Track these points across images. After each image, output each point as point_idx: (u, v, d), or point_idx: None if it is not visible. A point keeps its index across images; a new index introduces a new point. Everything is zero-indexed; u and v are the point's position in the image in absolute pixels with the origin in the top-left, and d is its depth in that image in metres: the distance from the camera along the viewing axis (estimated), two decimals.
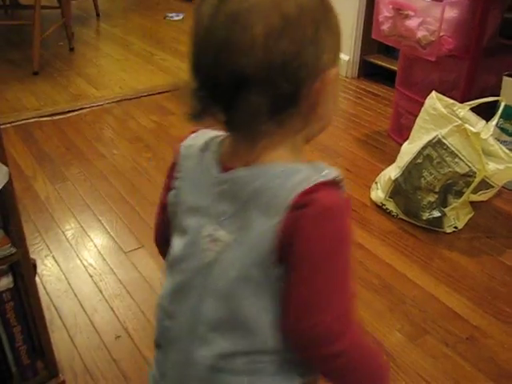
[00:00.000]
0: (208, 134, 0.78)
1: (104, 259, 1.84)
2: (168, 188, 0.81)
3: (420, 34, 2.23)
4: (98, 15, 4.91)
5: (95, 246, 1.90)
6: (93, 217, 2.05)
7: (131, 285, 1.72)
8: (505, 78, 2.23)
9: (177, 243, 0.78)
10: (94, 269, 1.79)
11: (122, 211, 2.08)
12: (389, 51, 3.41)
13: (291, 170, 0.68)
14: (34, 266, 1.24)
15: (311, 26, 0.64)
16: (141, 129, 2.74)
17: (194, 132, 0.81)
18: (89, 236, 1.95)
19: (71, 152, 2.50)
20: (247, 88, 0.63)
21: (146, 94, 3.16)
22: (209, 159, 0.74)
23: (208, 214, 0.72)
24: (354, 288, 0.70)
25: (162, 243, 0.86)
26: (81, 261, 1.82)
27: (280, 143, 0.70)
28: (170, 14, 5.12)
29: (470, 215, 2.06)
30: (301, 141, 0.73)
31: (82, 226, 1.99)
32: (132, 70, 3.63)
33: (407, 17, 2.27)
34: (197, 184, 0.75)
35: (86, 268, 1.79)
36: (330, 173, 0.68)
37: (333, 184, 0.68)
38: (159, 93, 3.19)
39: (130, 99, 3.10)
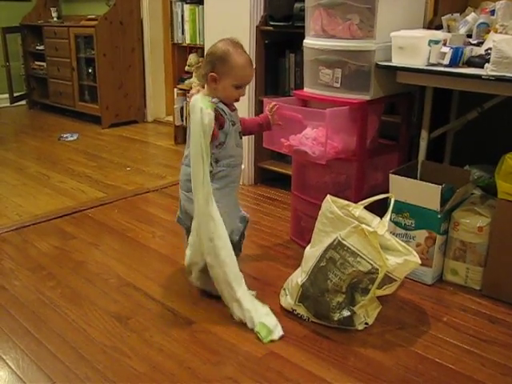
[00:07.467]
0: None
1: None
2: None
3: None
4: None
5: None
6: None
7: None
8: (391, 176, 2.39)
9: None
10: None
11: (29, 347, 1.96)
12: (282, 157, 3.56)
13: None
14: None
15: (214, 58, 2.07)
16: (42, 256, 2.66)
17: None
18: None
19: None
20: None
21: (45, 220, 3.10)
22: None
23: None
24: None
25: None
26: None
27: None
28: (65, 135, 5.13)
29: (379, 309, 2.12)
30: (218, 96, 2.10)
31: None
32: (29, 194, 3.57)
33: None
34: None
35: None
36: (213, 101, 2.09)
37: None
38: (59, 217, 3.14)
39: (29, 226, 3.02)
